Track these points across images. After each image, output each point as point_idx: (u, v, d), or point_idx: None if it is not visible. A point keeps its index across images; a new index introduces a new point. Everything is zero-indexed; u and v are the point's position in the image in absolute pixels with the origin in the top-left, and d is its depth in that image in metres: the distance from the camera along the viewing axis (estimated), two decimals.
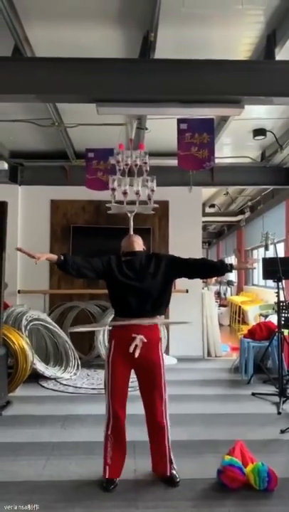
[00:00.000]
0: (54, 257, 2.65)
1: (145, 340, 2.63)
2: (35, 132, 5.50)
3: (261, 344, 5.15)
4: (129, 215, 3.57)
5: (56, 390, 4.82)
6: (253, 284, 10.39)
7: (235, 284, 12.75)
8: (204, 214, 11.31)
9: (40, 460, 3.01)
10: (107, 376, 2.72)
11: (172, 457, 2.74)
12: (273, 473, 2.65)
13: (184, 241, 6.57)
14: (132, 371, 2.76)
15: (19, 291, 6.42)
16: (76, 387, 4.93)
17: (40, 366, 5.13)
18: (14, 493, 2.56)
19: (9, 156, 6.38)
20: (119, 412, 2.67)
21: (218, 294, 13.74)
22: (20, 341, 4.58)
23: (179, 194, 6.52)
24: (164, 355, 6.16)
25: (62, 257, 2.64)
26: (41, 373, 5.10)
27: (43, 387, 4.95)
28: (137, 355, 2.60)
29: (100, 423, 2.79)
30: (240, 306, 9.07)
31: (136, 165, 3.49)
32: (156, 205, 3.57)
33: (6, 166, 5.26)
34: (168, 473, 2.70)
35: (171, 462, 2.72)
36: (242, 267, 3.19)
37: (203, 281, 17.04)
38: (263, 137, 5.66)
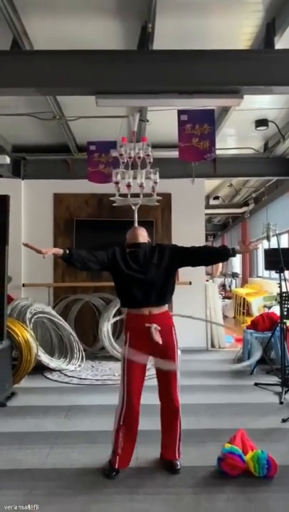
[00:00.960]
0: (60, 251, 2.68)
1: (159, 328, 2.68)
2: (37, 126, 5.51)
3: (264, 335, 5.16)
4: (133, 207, 3.59)
5: (61, 382, 4.88)
6: (258, 276, 10.38)
7: (240, 276, 12.74)
8: (208, 206, 11.32)
9: (43, 449, 3.07)
10: (123, 367, 2.74)
11: (180, 445, 2.79)
12: (273, 461, 2.68)
13: (187, 233, 6.57)
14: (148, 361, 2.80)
15: (24, 285, 6.47)
16: (80, 378, 4.99)
17: (45, 358, 5.19)
18: (18, 481, 2.62)
19: (12, 150, 6.41)
20: (135, 402, 2.70)
21: (223, 286, 13.76)
22: (25, 334, 4.63)
23: (182, 186, 6.53)
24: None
25: (67, 251, 2.67)
26: (46, 365, 5.16)
27: (48, 378, 5.01)
28: (160, 341, 2.64)
29: (104, 413, 2.85)
30: (244, 298, 9.07)
31: (139, 157, 3.49)
32: (159, 198, 3.58)
33: (8, 160, 5.28)
34: (177, 456, 2.76)
35: (179, 448, 2.79)
36: (245, 250, 3.22)
37: (208, 274, 17.15)
38: (265, 128, 5.63)
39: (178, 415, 2.78)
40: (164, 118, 4.89)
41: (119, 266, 2.75)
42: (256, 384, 4.60)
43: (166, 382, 2.77)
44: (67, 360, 5.59)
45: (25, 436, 3.29)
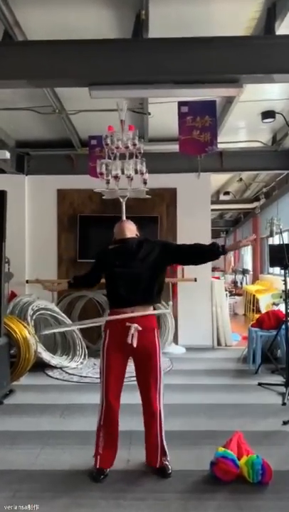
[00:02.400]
0: (65, 285, 3.05)
1: (140, 329, 2.58)
2: (38, 120, 5.45)
3: (269, 333, 5.01)
4: (121, 200, 3.47)
5: (61, 379, 4.83)
6: (269, 273, 10.16)
7: (251, 273, 12.53)
8: (219, 201, 11.14)
9: (35, 449, 3.01)
10: (102, 366, 2.68)
11: (166, 448, 2.68)
12: (268, 466, 2.56)
13: (193, 229, 6.44)
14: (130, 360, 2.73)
15: (27, 281, 6.43)
16: (81, 376, 4.93)
17: (46, 355, 5.14)
18: (4, 482, 2.55)
19: (15, 146, 6.37)
20: (113, 403, 2.62)
21: (234, 282, 13.57)
22: (23, 331, 4.58)
23: (187, 181, 6.40)
24: (173, 344, 6.11)
25: (71, 281, 2.99)
26: (47, 362, 5.11)
27: (49, 376, 4.96)
28: (135, 344, 2.56)
29: None
30: (254, 295, 8.89)
31: (126, 147, 3.37)
32: (147, 189, 3.45)
33: (7, 155, 5.22)
34: (157, 465, 2.65)
35: (164, 453, 2.67)
36: (235, 247, 3.09)
37: (220, 270, 16.95)
38: (272, 120, 5.44)
39: (157, 419, 2.65)
40: (166, 111, 4.76)
41: (105, 265, 2.73)
42: (260, 384, 4.46)
43: (145, 385, 2.66)
44: (70, 357, 5.54)
45: (18, 436, 3.24)
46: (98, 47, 3.19)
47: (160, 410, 2.65)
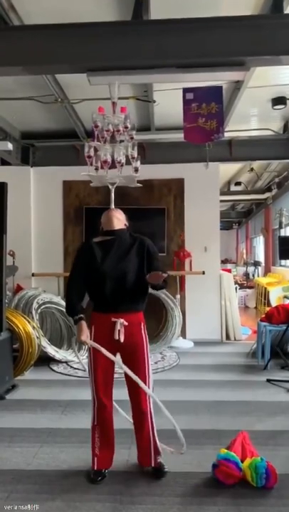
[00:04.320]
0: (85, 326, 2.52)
1: (126, 324, 2.47)
2: (43, 111, 5.34)
3: (279, 328, 4.85)
4: (110, 187, 3.32)
5: (65, 374, 4.76)
6: (281, 265, 9.94)
7: (263, 265, 12.30)
8: (230, 192, 10.92)
9: (33, 447, 2.94)
10: (89, 364, 2.57)
11: (159, 447, 2.57)
12: (273, 470, 2.44)
13: (201, 221, 6.32)
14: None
15: (33, 274, 6.38)
16: (85, 370, 4.84)
17: (51, 350, 5.08)
18: None
19: (20, 137, 6.27)
20: (105, 401, 2.52)
21: (246, 275, 13.36)
22: (26, 326, 4.52)
23: (195, 171, 6.21)
24: (181, 338, 5.98)
25: (80, 316, 2.51)
26: (52, 357, 5.05)
27: (53, 370, 4.90)
28: (122, 340, 2.46)
29: None
30: (265, 288, 8.70)
31: (118, 131, 3.21)
32: (137, 175, 3.29)
33: (10, 146, 5.12)
34: (152, 464, 2.55)
35: (157, 452, 2.57)
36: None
37: (232, 262, 16.69)
38: (283, 106, 5.24)
39: (148, 417, 2.54)
40: (173, 98, 4.58)
41: (90, 261, 2.50)
42: (268, 380, 4.33)
43: (134, 383, 2.52)
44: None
45: (17, 433, 3.17)
46: (96, 30, 3.03)
47: (150, 408, 2.55)
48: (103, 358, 2.49)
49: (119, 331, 2.44)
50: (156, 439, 2.57)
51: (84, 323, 2.50)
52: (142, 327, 2.58)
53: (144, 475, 2.56)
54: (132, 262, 2.52)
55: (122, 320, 2.45)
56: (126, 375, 2.56)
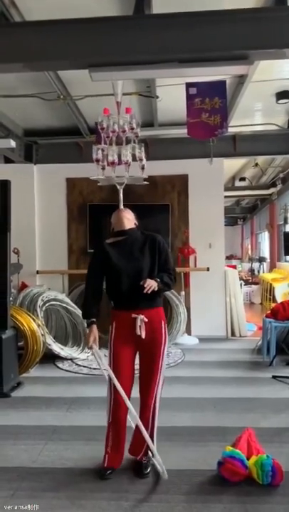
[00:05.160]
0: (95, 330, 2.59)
1: (146, 320, 2.49)
2: (46, 108, 5.32)
3: (284, 324, 4.83)
4: (118, 187, 3.32)
5: (70, 371, 4.77)
6: (286, 261, 9.87)
7: (268, 261, 12.24)
8: (234, 188, 10.86)
9: (38, 445, 2.94)
10: (110, 361, 2.57)
11: (152, 445, 2.52)
12: (279, 467, 2.42)
13: (206, 217, 6.29)
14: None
15: (38, 272, 6.38)
16: (91, 368, 4.85)
17: (56, 347, 5.08)
18: (4, 480, 2.49)
19: (23, 135, 6.27)
20: (121, 400, 2.50)
21: (251, 271, 13.31)
22: (31, 323, 4.52)
23: (199, 167, 6.18)
24: (186, 334, 5.97)
25: (92, 320, 2.59)
26: (57, 354, 5.05)
27: (59, 367, 4.91)
28: (144, 335, 2.47)
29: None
30: (271, 284, 8.66)
31: (124, 131, 3.19)
32: (145, 176, 3.28)
33: (12, 143, 5.11)
34: (139, 457, 2.57)
35: (146, 452, 2.56)
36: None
37: (237, 258, 16.63)
38: (287, 100, 5.18)
39: (150, 411, 2.55)
40: (176, 94, 4.56)
41: (107, 262, 2.55)
42: (274, 377, 4.31)
43: (147, 377, 2.56)
44: (81, 348, 5.47)
45: (22, 431, 3.18)
46: (97, 25, 3.00)
47: (156, 405, 2.56)
48: (123, 354, 2.51)
49: (140, 327, 2.45)
50: (154, 436, 2.55)
51: (94, 328, 2.56)
52: (163, 325, 2.59)
53: (151, 473, 2.55)
54: (146, 259, 2.55)
55: (142, 316, 2.47)
56: (140, 369, 2.59)
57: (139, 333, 2.46)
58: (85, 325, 2.66)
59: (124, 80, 3.33)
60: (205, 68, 3.15)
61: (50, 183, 6.45)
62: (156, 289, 2.46)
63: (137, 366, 2.63)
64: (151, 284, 2.43)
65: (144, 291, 2.41)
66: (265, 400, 3.73)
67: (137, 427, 2.55)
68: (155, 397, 2.55)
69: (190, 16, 3.00)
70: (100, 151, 3.13)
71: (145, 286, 2.41)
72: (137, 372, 2.63)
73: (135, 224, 2.68)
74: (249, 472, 2.44)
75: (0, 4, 3.07)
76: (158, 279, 2.50)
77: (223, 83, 4.01)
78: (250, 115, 5.92)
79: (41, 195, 6.46)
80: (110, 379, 2.52)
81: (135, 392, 2.61)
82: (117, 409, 2.53)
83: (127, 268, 2.52)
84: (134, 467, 2.58)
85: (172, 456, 2.68)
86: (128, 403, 2.48)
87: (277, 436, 3.03)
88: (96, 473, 2.54)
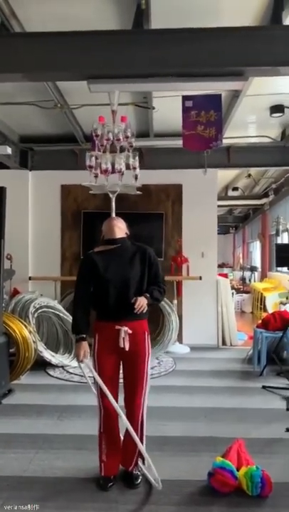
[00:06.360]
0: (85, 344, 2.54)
1: (130, 332, 2.48)
2: (43, 116, 5.35)
3: (275, 335, 4.87)
4: (110, 195, 3.34)
5: (61, 379, 4.76)
6: (277, 271, 9.97)
7: (259, 270, 12.34)
8: (227, 197, 10.96)
9: (28, 454, 2.93)
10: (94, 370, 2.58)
11: (143, 454, 2.53)
12: (268, 479, 2.45)
13: (199, 226, 6.34)
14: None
15: (30, 278, 6.38)
16: (82, 375, 4.84)
17: (47, 354, 5.07)
18: None
19: (19, 141, 6.28)
20: (111, 408, 2.52)
21: (242, 280, 13.39)
22: (23, 330, 4.51)
23: (193, 177, 6.23)
24: (177, 343, 5.98)
25: (81, 336, 2.53)
26: (48, 361, 5.04)
27: (50, 375, 4.90)
28: (127, 348, 2.46)
29: None
30: (262, 293, 8.73)
31: (118, 140, 3.23)
32: (138, 185, 3.32)
33: (9, 150, 5.13)
34: (130, 468, 2.58)
35: (137, 460, 2.57)
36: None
37: (229, 267, 16.70)
38: (280, 114, 5.28)
39: (140, 425, 2.55)
40: (172, 105, 4.61)
41: (95, 272, 2.53)
42: (264, 387, 4.34)
43: (131, 391, 2.55)
44: (72, 355, 5.46)
45: (12, 439, 3.17)
46: (97, 38, 3.05)
47: (143, 418, 2.57)
48: (107, 364, 2.51)
49: (123, 338, 2.44)
50: (143, 448, 2.53)
51: (84, 344, 2.51)
52: (146, 337, 2.59)
53: (143, 483, 2.56)
54: (135, 271, 2.53)
55: (126, 328, 2.45)
56: (125, 384, 2.59)
57: (122, 346, 2.44)
58: (74, 339, 2.57)
59: (122, 91, 3.36)
60: (201, 83, 3.22)
61: (44, 190, 6.47)
62: (146, 309, 2.45)
63: (121, 375, 2.63)
64: (142, 304, 2.42)
65: (135, 312, 2.41)
66: (256, 411, 3.77)
67: (125, 438, 2.56)
68: (142, 410, 2.56)
69: (188, 32, 3.06)
70: (93, 158, 3.15)
71: (135, 306, 2.40)
72: (121, 381, 2.62)
73: (126, 234, 2.65)
74: (239, 483, 2.46)
75: (0, 15, 3.11)
76: (148, 295, 2.50)
77: (218, 97, 4.09)
78: (245, 127, 6.01)
79: (36, 202, 6.48)
80: (98, 389, 2.53)
81: (121, 401, 2.61)
82: (108, 418, 2.54)
83: (114, 278, 2.49)
84: (124, 477, 2.59)
85: (163, 466, 2.68)
86: (118, 410, 2.49)
87: (268, 447, 3.05)
88: (86, 483, 2.54)
